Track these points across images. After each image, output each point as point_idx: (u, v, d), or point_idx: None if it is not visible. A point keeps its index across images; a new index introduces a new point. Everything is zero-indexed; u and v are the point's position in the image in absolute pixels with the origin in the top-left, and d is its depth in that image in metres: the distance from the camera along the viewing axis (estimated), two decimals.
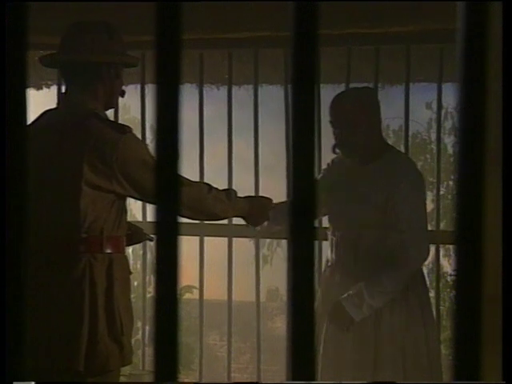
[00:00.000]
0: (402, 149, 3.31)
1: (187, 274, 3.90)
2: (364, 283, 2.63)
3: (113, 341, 2.22)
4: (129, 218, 2.44)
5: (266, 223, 2.72)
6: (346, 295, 2.66)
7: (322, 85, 3.29)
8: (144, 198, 2.40)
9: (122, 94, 2.43)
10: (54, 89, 3.63)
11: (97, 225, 2.24)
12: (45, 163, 2.22)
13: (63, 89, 2.44)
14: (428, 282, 2.92)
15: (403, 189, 2.67)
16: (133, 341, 4.97)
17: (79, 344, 2.17)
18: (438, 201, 3.37)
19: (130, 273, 2.43)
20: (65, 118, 2.31)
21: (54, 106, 2.48)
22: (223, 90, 3.55)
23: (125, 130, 2.25)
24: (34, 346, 2.11)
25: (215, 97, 3.67)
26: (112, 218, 2.27)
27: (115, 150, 2.20)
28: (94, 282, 2.21)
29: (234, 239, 3.46)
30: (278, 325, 6.07)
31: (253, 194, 3.43)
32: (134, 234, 2.54)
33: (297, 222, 0.67)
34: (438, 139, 3.45)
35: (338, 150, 2.82)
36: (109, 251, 2.25)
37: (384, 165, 2.74)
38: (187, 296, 5.10)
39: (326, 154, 2.94)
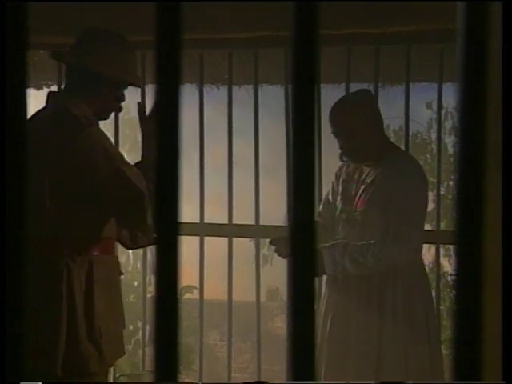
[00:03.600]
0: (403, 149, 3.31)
1: (187, 274, 3.90)
2: (352, 246, 2.65)
3: (92, 344, 2.20)
4: None
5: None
6: (329, 245, 2.68)
7: (322, 85, 3.28)
8: (104, 201, 2.20)
9: (119, 109, 2.40)
10: (54, 89, 3.63)
11: None
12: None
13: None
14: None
15: (405, 187, 2.69)
16: (132, 341, 4.97)
17: (57, 348, 2.15)
18: (438, 201, 3.37)
19: (121, 274, 2.40)
20: (42, 116, 2.29)
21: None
22: (223, 90, 3.55)
23: (84, 124, 2.19)
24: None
25: (215, 97, 3.66)
26: (93, 219, 2.23)
27: (75, 145, 2.16)
28: (72, 285, 2.17)
29: (234, 239, 3.46)
30: (279, 324, 6.07)
31: (253, 194, 3.44)
32: (141, 237, 2.52)
33: (297, 221, 0.67)
34: (439, 139, 3.45)
35: (345, 158, 2.85)
36: (90, 253, 2.22)
37: (388, 164, 2.75)
38: (187, 296, 5.10)
39: (331, 160, 2.96)
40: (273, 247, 2.82)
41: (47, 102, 2.37)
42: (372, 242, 2.66)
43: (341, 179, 2.92)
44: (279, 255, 2.77)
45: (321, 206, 3.03)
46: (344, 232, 2.82)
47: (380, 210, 2.71)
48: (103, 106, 2.31)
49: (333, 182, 2.98)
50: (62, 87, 2.36)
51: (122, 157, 2.26)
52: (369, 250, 2.64)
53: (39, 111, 2.34)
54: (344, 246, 2.66)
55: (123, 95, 2.38)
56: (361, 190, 2.80)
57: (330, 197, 2.98)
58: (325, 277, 2.93)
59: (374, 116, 2.81)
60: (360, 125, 2.73)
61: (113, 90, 2.31)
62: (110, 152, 2.20)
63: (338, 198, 2.90)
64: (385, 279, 2.72)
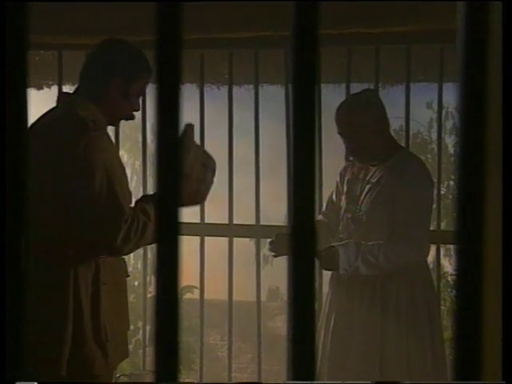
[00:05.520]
0: None
1: (187, 273, 3.90)
2: (364, 247, 2.65)
3: (98, 346, 2.20)
4: None
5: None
6: (343, 243, 2.68)
7: (322, 85, 3.28)
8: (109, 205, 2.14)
9: (131, 117, 2.37)
10: (54, 89, 3.63)
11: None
12: (33, 163, 2.18)
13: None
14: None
15: (411, 188, 2.69)
16: (133, 341, 4.98)
17: (62, 348, 2.14)
18: (438, 201, 3.37)
19: (127, 276, 2.39)
20: (50, 116, 2.28)
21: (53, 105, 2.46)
22: (223, 90, 3.55)
23: (90, 127, 2.17)
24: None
25: (215, 97, 3.66)
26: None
27: (76, 146, 2.13)
28: (79, 286, 2.17)
29: (235, 239, 3.46)
30: (279, 324, 6.07)
31: (253, 194, 3.44)
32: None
33: (297, 221, 0.67)
34: (439, 139, 3.45)
35: (351, 158, 2.86)
36: (98, 255, 2.21)
37: (394, 165, 2.76)
38: (187, 296, 5.10)
39: (333, 160, 2.96)
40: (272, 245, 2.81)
41: (58, 102, 2.36)
42: (381, 242, 2.67)
43: (346, 179, 2.92)
44: (274, 254, 2.75)
45: (324, 206, 3.03)
46: (348, 231, 2.82)
47: (385, 209, 2.71)
48: (115, 111, 2.30)
49: (337, 182, 2.98)
50: (75, 88, 2.34)
51: (120, 165, 2.23)
52: (380, 250, 2.64)
53: (48, 111, 2.33)
54: (357, 246, 2.66)
55: (138, 105, 2.37)
56: (366, 190, 2.80)
57: (335, 196, 2.98)
58: (328, 276, 2.93)
59: (380, 116, 2.80)
60: (366, 125, 2.72)
61: (129, 98, 2.30)
62: (108, 160, 2.17)
63: (343, 197, 2.90)
64: (389, 279, 2.72)
